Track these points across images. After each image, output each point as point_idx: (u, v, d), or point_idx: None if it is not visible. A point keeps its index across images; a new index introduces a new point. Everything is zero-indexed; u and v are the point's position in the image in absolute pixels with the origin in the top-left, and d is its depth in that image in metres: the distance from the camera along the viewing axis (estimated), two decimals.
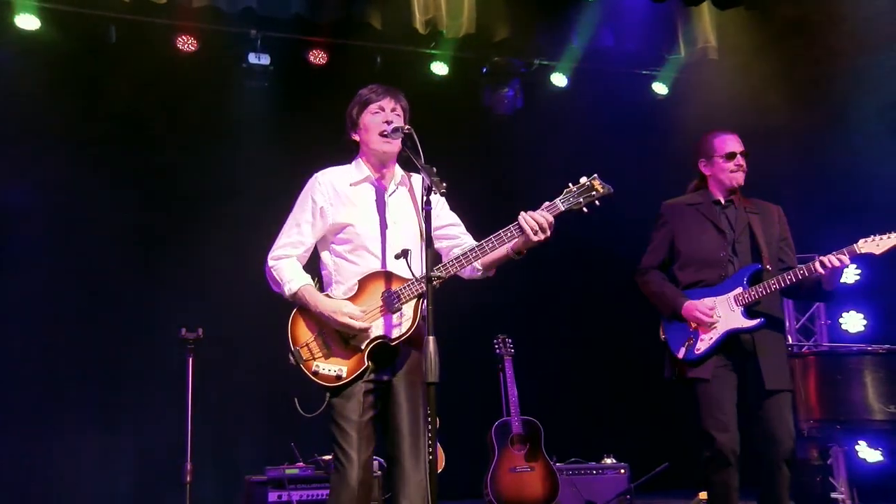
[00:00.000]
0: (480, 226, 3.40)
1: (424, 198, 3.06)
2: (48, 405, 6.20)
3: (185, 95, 6.84)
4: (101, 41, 6.54)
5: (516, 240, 3.20)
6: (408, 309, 3.23)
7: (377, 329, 3.23)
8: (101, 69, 6.64)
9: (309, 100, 7.07)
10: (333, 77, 7.00)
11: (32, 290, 6.29)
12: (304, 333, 3.30)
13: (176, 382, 5.16)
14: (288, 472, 5.46)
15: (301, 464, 5.61)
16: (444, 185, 3.05)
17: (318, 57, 7.08)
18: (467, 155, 7.55)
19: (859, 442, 6.30)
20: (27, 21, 6.33)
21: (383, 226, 3.34)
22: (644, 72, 7.85)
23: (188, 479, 4.90)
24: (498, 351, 6.23)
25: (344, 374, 3.22)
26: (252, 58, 6.89)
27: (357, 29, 6.98)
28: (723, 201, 4.17)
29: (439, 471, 5.82)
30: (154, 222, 6.77)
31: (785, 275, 3.91)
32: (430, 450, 3.01)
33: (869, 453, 6.32)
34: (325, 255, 3.43)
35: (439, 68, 7.39)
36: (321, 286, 3.38)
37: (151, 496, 6.36)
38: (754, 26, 7.15)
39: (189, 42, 6.69)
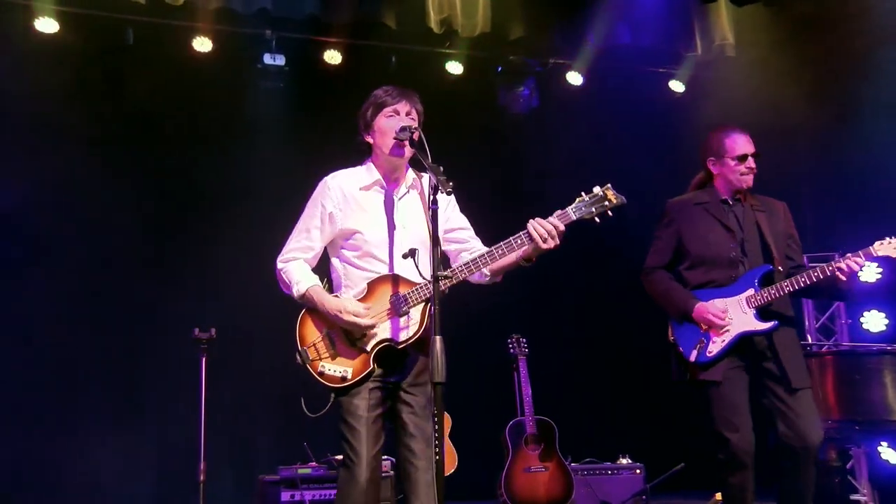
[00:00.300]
0: (494, 225, 3.39)
1: (431, 197, 3.05)
2: (62, 406, 6.24)
3: (201, 96, 6.88)
4: (119, 43, 6.60)
5: (526, 247, 3.19)
6: (415, 313, 3.23)
7: (384, 332, 3.24)
8: (119, 71, 6.70)
9: (324, 100, 7.09)
10: (348, 77, 7.00)
11: (44, 290, 6.34)
12: (311, 333, 3.32)
13: (189, 382, 5.18)
14: (300, 471, 5.48)
15: (314, 463, 5.63)
16: (451, 184, 3.04)
17: (332, 57, 7.09)
18: (483, 154, 7.53)
19: (881, 443, 6.21)
20: (46, 25, 6.39)
21: (392, 230, 3.34)
22: (660, 69, 7.78)
23: (202, 478, 4.93)
24: (512, 351, 6.21)
25: (349, 376, 3.23)
26: (267, 58, 6.92)
27: (372, 29, 6.99)
28: (730, 201, 4.12)
29: (452, 471, 5.89)
30: (169, 222, 6.82)
31: (799, 277, 3.86)
32: (437, 449, 2.99)
33: (891, 454, 6.22)
34: (334, 261, 3.44)
35: (454, 67, 7.37)
36: (330, 290, 3.39)
37: (165, 495, 6.40)
38: (771, 22, 7.08)
39: (205, 43, 6.73)
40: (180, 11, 6.48)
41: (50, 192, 6.40)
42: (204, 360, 5.02)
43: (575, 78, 7.61)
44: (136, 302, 6.58)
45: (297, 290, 3.34)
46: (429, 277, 3.04)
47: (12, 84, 6.26)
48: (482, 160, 7.50)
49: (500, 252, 3.19)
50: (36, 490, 6.13)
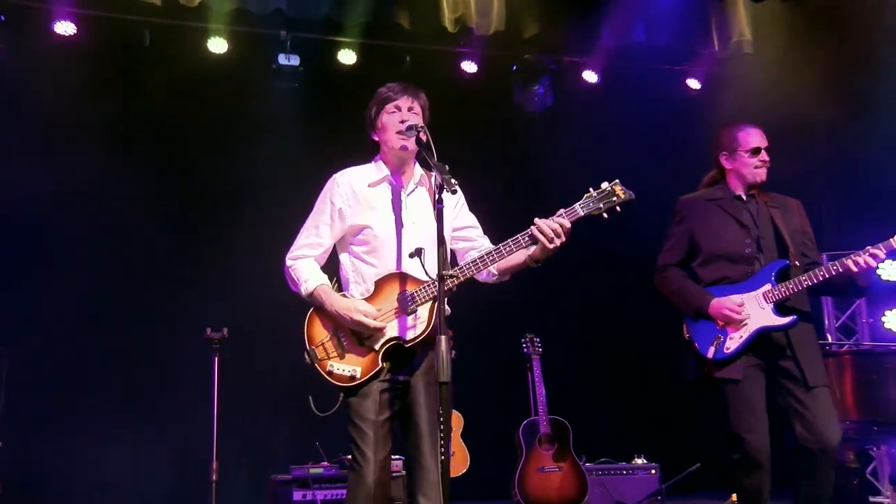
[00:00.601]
0: (508, 224, 3.35)
1: (437, 196, 3.05)
2: (74, 406, 6.26)
3: (216, 96, 6.92)
4: (135, 44, 6.66)
5: (534, 248, 3.17)
6: (423, 311, 3.22)
7: (392, 330, 3.23)
8: (135, 71, 6.76)
9: (338, 100, 7.11)
10: (362, 77, 7.01)
11: (57, 288, 6.38)
12: (319, 333, 3.31)
13: (202, 382, 5.21)
14: (312, 471, 5.50)
15: (325, 463, 5.65)
16: (456, 182, 3.03)
17: (347, 57, 7.10)
18: (497, 153, 7.52)
19: None
20: (65, 27, 6.49)
21: (401, 226, 3.34)
22: (676, 67, 7.72)
23: (214, 477, 4.94)
24: (526, 350, 6.18)
25: (358, 375, 3.22)
26: (282, 59, 6.96)
27: (386, 29, 7.00)
28: (743, 197, 4.06)
29: (464, 471, 5.89)
30: (182, 222, 6.86)
31: (817, 271, 3.80)
32: (443, 449, 2.98)
33: None
34: (343, 257, 3.44)
35: (469, 66, 7.36)
36: (339, 287, 3.39)
37: (178, 495, 6.43)
38: (789, 18, 7.00)
39: (220, 44, 6.77)
40: (196, 12, 6.53)
41: (65, 192, 6.45)
42: (216, 359, 5.03)
43: (590, 76, 7.58)
44: (149, 301, 6.62)
45: (305, 288, 3.34)
46: (434, 277, 3.03)
47: (30, 84, 6.34)
48: (497, 159, 7.48)
49: (507, 249, 3.18)
50: (51, 489, 6.18)
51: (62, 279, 6.40)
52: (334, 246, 3.47)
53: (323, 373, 3.26)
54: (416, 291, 3.20)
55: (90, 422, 6.28)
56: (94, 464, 6.27)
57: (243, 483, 6.51)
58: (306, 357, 3.28)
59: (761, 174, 4.02)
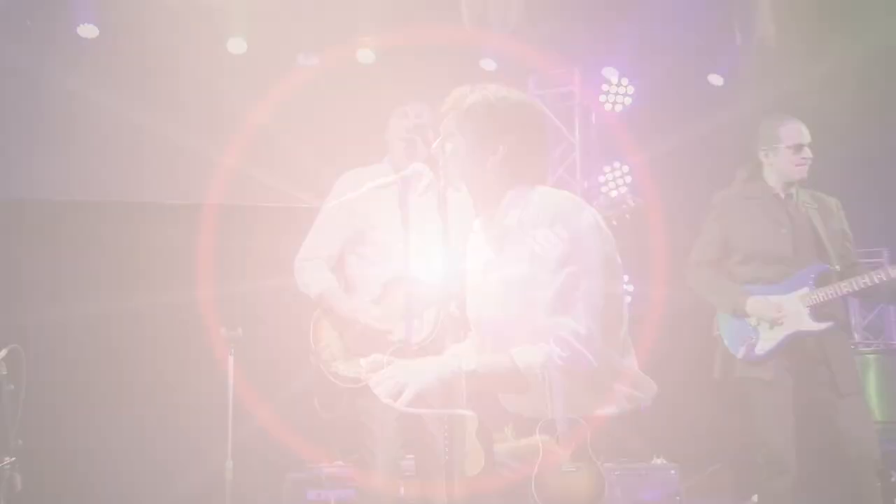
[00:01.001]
0: None
1: (442, 195, 3.03)
2: (87, 404, 6.33)
3: (235, 96, 6.94)
4: (155, 45, 6.71)
5: None
6: (429, 314, 3.22)
7: (398, 333, 3.23)
8: (155, 71, 6.81)
9: (357, 100, 7.10)
10: (381, 76, 7.00)
11: (74, 286, 6.44)
12: (326, 334, 3.34)
13: (217, 381, 5.23)
14: (326, 470, 5.52)
15: (340, 462, 5.66)
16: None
17: (366, 57, 7.09)
18: None
19: None
20: (87, 30, 6.60)
21: (407, 229, 3.33)
22: (699, 63, 7.63)
23: (229, 476, 4.97)
24: None
25: (362, 377, 3.22)
26: (301, 58, 6.98)
27: (404, 27, 6.99)
28: (782, 194, 3.96)
29: (478, 472, 5.83)
30: (196, 221, 6.87)
31: (858, 279, 3.72)
32: (447, 449, 2.96)
33: None
34: (350, 258, 3.45)
35: (488, 65, 7.34)
36: (346, 288, 3.40)
37: (192, 493, 6.46)
38: (814, 10, 6.88)
39: (238, 44, 6.80)
40: (214, 13, 6.57)
41: (82, 193, 6.53)
42: (231, 358, 5.06)
43: (610, 73, 7.51)
44: (164, 300, 6.65)
45: (313, 290, 3.36)
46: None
47: (51, 86, 6.44)
48: None
49: None
50: (68, 487, 6.23)
51: (78, 278, 6.46)
52: (342, 248, 3.47)
53: (328, 373, 3.27)
54: (424, 293, 3.19)
55: (106, 420, 6.32)
56: (109, 462, 6.29)
57: (258, 482, 6.52)
58: (312, 358, 3.30)
59: (802, 172, 3.92)
